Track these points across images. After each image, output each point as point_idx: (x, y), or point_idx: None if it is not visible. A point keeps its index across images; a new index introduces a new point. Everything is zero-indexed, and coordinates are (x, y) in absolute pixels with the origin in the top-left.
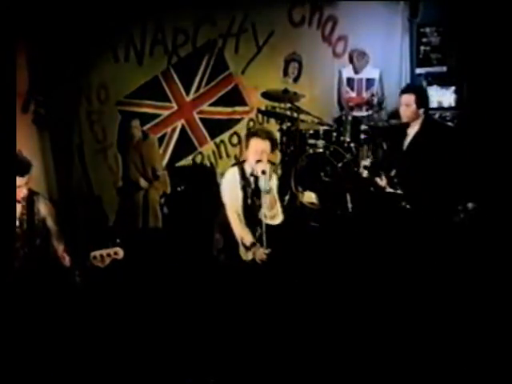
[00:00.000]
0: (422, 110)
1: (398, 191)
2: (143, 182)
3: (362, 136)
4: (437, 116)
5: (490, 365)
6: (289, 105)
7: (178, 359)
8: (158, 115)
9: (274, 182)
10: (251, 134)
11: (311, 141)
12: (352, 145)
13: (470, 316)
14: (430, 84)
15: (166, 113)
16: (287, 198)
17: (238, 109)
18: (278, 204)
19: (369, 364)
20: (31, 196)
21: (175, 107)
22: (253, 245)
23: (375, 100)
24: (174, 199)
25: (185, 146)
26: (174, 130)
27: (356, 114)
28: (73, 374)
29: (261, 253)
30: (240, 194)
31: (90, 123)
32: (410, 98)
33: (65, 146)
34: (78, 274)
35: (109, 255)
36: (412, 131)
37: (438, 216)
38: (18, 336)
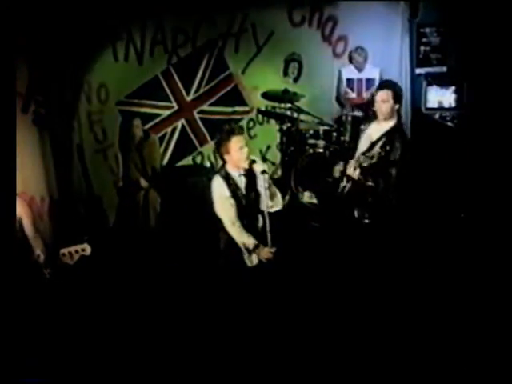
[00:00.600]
0: (397, 106)
1: (369, 183)
2: (143, 182)
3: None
4: (437, 116)
5: (489, 364)
6: (289, 105)
7: (175, 364)
8: (158, 115)
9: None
10: (229, 132)
11: (311, 141)
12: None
13: (469, 316)
14: (429, 84)
15: (166, 113)
16: (287, 197)
17: (238, 109)
18: (278, 192)
19: (369, 364)
20: None
21: (175, 107)
22: (256, 246)
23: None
24: (173, 200)
25: (185, 145)
26: (174, 130)
27: (356, 114)
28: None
29: (266, 252)
30: (232, 203)
31: (90, 123)
32: (387, 94)
33: (65, 146)
34: (48, 271)
35: (77, 252)
36: (386, 126)
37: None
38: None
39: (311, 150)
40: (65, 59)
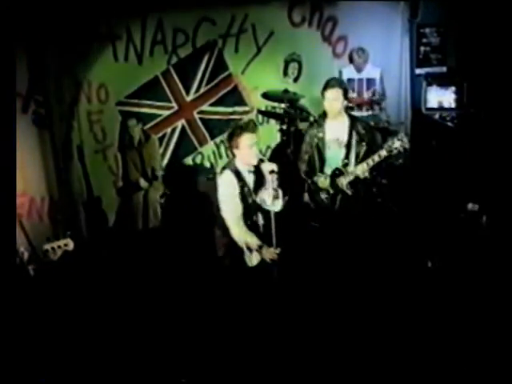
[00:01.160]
0: (345, 103)
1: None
2: (143, 182)
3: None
4: (437, 116)
5: (488, 364)
6: (289, 105)
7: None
8: (158, 115)
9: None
10: (241, 128)
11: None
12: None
13: (469, 316)
14: (429, 84)
15: (166, 113)
16: (286, 198)
17: (237, 109)
18: (281, 194)
19: (370, 363)
20: None
21: (175, 107)
22: (260, 247)
23: (375, 100)
24: (173, 199)
25: (185, 146)
26: (174, 130)
27: (356, 114)
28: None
29: (271, 252)
30: (238, 201)
31: (90, 123)
32: (338, 93)
33: (65, 146)
34: (32, 267)
35: (59, 247)
36: (341, 125)
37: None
38: None
39: None
40: (65, 59)
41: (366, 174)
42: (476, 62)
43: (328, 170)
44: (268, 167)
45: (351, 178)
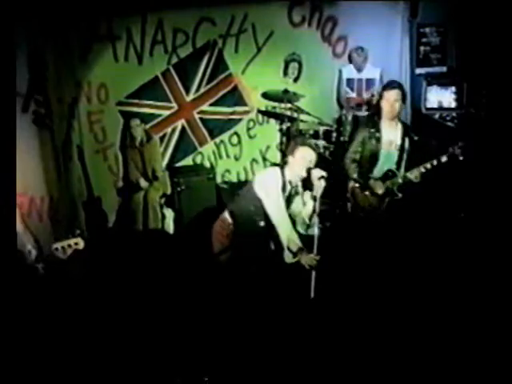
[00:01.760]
0: (403, 106)
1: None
2: (143, 183)
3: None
4: (437, 116)
5: (490, 365)
6: (289, 105)
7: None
8: (158, 115)
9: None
10: (301, 141)
11: (311, 141)
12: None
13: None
14: (429, 84)
15: (166, 113)
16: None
17: (237, 109)
18: (312, 203)
19: (372, 364)
20: None
21: (175, 107)
22: (300, 250)
23: (375, 100)
24: (173, 199)
25: (185, 146)
26: (174, 130)
27: (356, 114)
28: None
29: (310, 258)
30: (283, 198)
31: (90, 123)
32: (398, 94)
33: (65, 146)
34: (41, 266)
35: (70, 246)
36: (394, 128)
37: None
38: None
39: None
40: (65, 59)
41: (419, 179)
42: (476, 62)
43: (378, 172)
44: (317, 173)
45: (402, 181)
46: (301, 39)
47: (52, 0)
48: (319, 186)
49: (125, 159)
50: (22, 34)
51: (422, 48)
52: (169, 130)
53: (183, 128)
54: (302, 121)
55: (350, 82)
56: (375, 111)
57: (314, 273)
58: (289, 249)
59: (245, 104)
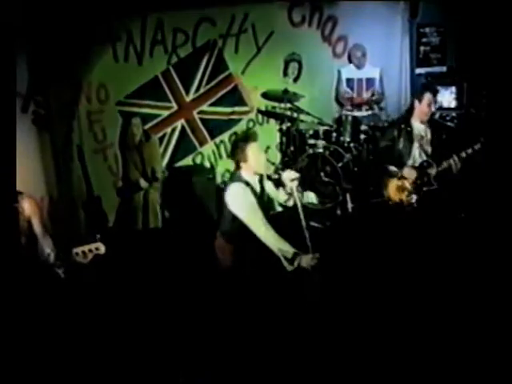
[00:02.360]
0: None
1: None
2: (143, 182)
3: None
4: (437, 116)
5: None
6: (289, 105)
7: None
8: (157, 115)
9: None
10: (243, 140)
11: (311, 141)
12: (352, 145)
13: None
14: (429, 84)
15: (165, 113)
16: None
17: (237, 109)
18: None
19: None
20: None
21: (175, 107)
22: (296, 255)
23: (375, 100)
24: (173, 200)
25: (185, 146)
26: (173, 130)
27: (356, 113)
28: (58, 369)
29: (309, 259)
30: (258, 209)
31: (90, 123)
32: (431, 98)
33: (65, 146)
34: (62, 270)
35: (90, 251)
36: (424, 125)
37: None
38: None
39: (311, 150)
40: (65, 59)
41: (459, 166)
42: (476, 62)
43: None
44: (290, 175)
45: (440, 169)
46: (301, 39)
47: (52, 0)
48: (292, 186)
49: (124, 159)
50: (23, 34)
51: (421, 48)
52: (169, 130)
53: (183, 128)
54: (301, 121)
55: (349, 81)
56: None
57: (316, 273)
58: (285, 258)
59: (245, 104)
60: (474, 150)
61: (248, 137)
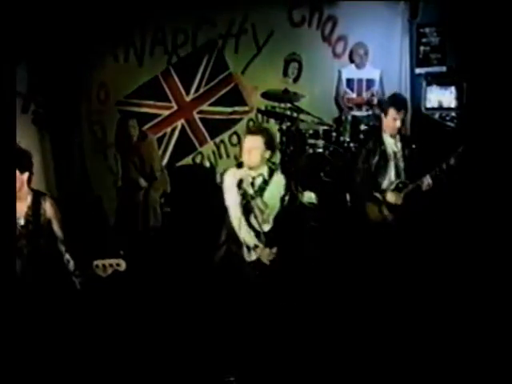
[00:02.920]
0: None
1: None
2: (143, 182)
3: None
4: (437, 116)
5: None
6: (289, 105)
7: (178, 360)
8: (157, 115)
9: (270, 191)
10: (245, 131)
11: (311, 141)
12: (352, 145)
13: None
14: (429, 84)
15: (165, 113)
16: (287, 198)
17: (237, 109)
18: (275, 211)
19: (367, 362)
20: (38, 196)
21: (175, 107)
22: (255, 247)
23: (375, 100)
24: (174, 199)
25: (185, 145)
26: (173, 130)
27: (356, 113)
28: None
29: (268, 253)
30: (238, 198)
31: (90, 123)
32: (403, 113)
33: (65, 146)
34: (79, 280)
35: (111, 265)
36: (394, 140)
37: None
38: (17, 333)
39: (311, 150)
40: (65, 59)
41: (431, 185)
42: (476, 62)
43: (388, 185)
44: (281, 180)
45: (411, 188)
46: (301, 39)
47: (53, 0)
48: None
49: (124, 159)
50: (23, 34)
51: (421, 48)
52: (168, 129)
53: (183, 128)
54: (301, 120)
55: (349, 82)
56: (377, 124)
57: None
58: (247, 247)
59: (245, 104)
60: (448, 165)
61: (250, 128)
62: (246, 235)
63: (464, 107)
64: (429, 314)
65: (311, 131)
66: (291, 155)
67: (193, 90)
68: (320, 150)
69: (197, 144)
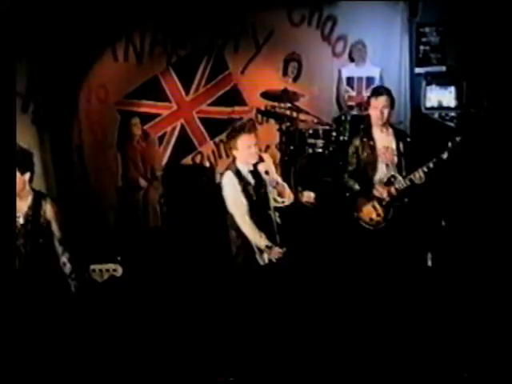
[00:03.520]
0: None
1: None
2: (143, 182)
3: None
4: (436, 115)
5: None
6: (288, 104)
7: (180, 360)
8: (157, 115)
9: (274, 173)
10: (237, 130)
11: (310, 140)
12: None
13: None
14: (429, 83)
15: (165, 112)
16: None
17: (237, 108)
18: (287, 187)
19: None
20: (39, 197)
21: (175, 107)
22: (268, 247)
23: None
24: (173, 199)
25: (184, 145)
26: (173, 130)
27: (355, 113)
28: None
29: (276, 252)
30: (243, 199)
31: (90, 123)
32: (386, 100)
33: (64, 146)
34: (75, 283)
35: (107, 270)
36: (386, 134)
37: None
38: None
39: (310, 150)
40: (64, 59)
41: (424, 180)
42: (476, 62)
43: (380, 180)
44: (263, 168)
45: (406, 185)
46: (300, 39)
47: (52, 0)
48: (267, 178)
49: (124, 159)
50: (23, 34)
51: (421, 47)
52: (168, 129)
53: (183, 127)
54: (301, 120)
55: (349, 81)
56: (365, 119)
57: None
58: (259, 249)
59: (244, 103)
60: (440, 160)
61: (243, 127)
62: (257, 238)
63: (463, 106)
64: (424, 310)
65: (311, 131)
66: (290, 155)
67: (192, 90)
68: (319, 150)
69: (196, 143)
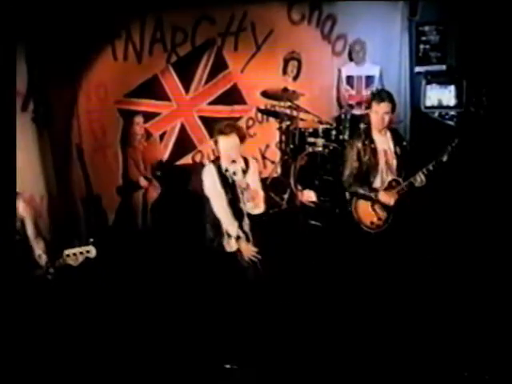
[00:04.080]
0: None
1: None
2: (143, 181)
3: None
4: (436, 114)
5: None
6: (288, 103)
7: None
8: (157, 114)
9: (251, 177)
10: (217, 131)
11: (310, 139)
12: None
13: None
14: (429, 82)
15: (165, 111)
16: (286, 196)
17: (237, 107)
18: (261, 194)
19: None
20: None
21: (174, 106)
22: (237, 238)
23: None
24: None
25: (184, 144)
26: (173, 129)
27: (355, 112)
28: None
29: (249, 251)
30: (220, 188)
31: (90, 122)
32: (388, 106)
33: (64, 146)
34: (50, 271)
35: (81, 253)
36: (385, 136)
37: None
38: None
39: (310, 149)
40: (64, 58)
41: (424, 182)
42: (475, 60)
43: (380, 183)
44: (232, 168)
45: (406, 188)
46: (300, 37)
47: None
48: (236, 178)
49: (124, 158)
50: (23, 33)
51: (421, 46)
52: (168, 128)
53: (182, 126)
54: (301, 119)
55: (349, 79)
56: (365, 118)
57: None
58: (228, 235)
59: (244, 102)
60: (440, 162)
61: (220, 129)
62: (229, 226)
63: (463, 105)
64: (424, 312)
65: (310, 130)
66: (290, 154)
67: (192, 89)
68: (319, 149)
69: (196, 142)
